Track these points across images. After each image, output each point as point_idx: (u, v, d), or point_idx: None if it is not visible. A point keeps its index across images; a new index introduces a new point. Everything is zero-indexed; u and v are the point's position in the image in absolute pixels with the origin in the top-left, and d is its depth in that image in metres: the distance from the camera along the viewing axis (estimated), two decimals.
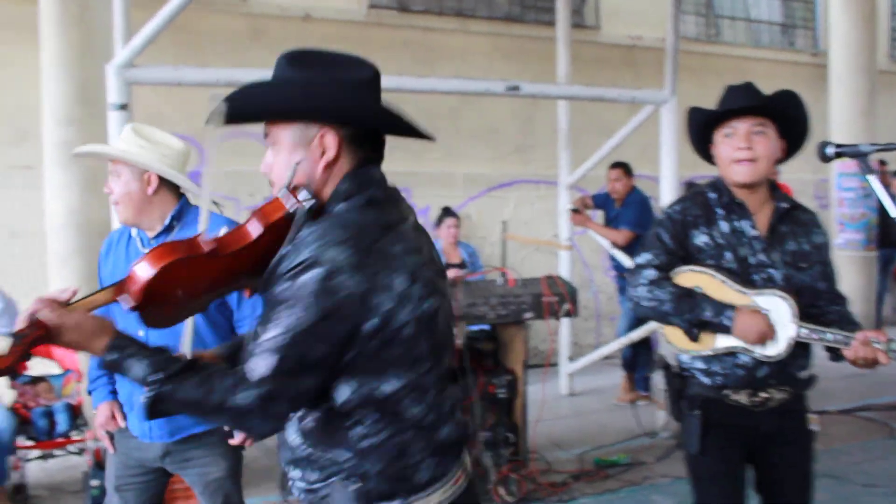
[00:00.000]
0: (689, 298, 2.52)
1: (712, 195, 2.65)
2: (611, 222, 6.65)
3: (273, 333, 1.53)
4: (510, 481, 4.48)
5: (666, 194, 5.65)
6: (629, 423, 5.86)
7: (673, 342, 2.67)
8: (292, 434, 1.72)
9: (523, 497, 4.44)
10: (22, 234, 6.17)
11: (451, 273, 5.58)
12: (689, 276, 2.58)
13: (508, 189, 8.33)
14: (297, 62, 1.66)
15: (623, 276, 6.58)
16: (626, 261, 6.21)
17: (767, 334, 2.46)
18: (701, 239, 2.60)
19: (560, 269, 6.82)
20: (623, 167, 6.59)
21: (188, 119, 6.03)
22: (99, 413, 2.82)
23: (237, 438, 2.67)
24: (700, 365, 2.61)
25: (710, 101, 2.75)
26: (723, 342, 2.54)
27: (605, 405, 6.62)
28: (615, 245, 6.37)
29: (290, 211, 1.61)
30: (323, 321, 1.52)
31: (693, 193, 2.72)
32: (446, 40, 7.98)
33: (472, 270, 6.77)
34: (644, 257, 2.65)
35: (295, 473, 1.75)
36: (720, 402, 2.57)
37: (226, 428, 2.51)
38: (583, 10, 8.72)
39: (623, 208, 6.56)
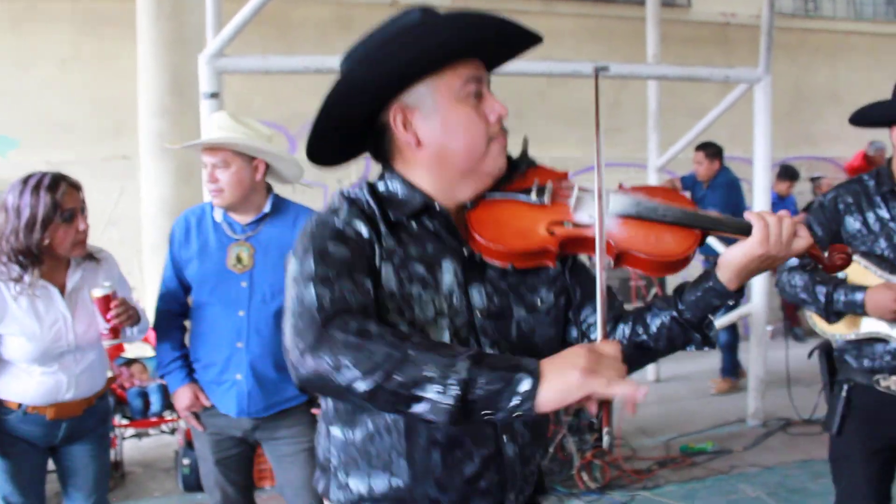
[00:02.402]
0: (824, 284, 2.50)
1: (871, 182, 2.59)
2: (696, 204, 6.49)
3: None
4: (594, 467, 4.45)
5: (759, 177, 5.49)
6: (717, 411, 5.77)
7: (817, 322, 2.68)
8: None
9: (607, 483, 4.41)
10: (119, 222, 6.42)
11: None
12: None
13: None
14: None
15: (709, 259, 6.44)
16: (715, 244, 6.06)
17: None
18: (854, 226, 2.56)
19: None
20: (704, 149, 6.43)
21: (276, 107, 6.16)
22: (180, 396, 2.89)
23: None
24: (853, 349, 2.60)
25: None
26: (867, 326, 2.52)
27: (692, 392, 6.50)
28: None
29: None
30: None
31: (847, 182, 2.67)
32: (532, 22, 7.71)
33: None
34: None
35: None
36: (871, 388, 2.55)
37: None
38: None
39: (709, 190, 6.42)
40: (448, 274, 1.44)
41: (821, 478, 2.94)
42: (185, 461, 4.46)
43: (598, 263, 1.31)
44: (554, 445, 4.39)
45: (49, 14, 6.52)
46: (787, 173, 7.99)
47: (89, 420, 2.79)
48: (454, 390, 1.12)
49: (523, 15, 7.61)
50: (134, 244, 5.92)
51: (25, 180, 2.55)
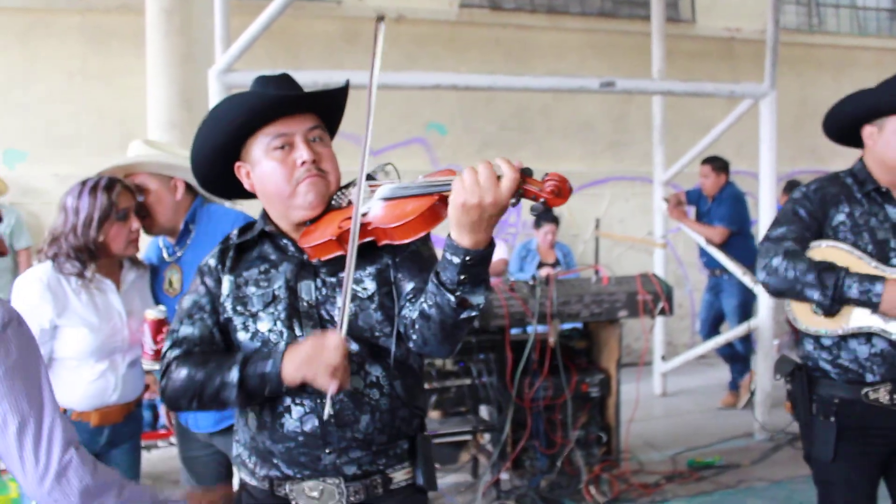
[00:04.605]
0: (832, 271, 2.36)
1: (849, 180, 2.55)
2: (702, 218, 6.49)
3: None
4: (602, 481, 4.45)
5: (765, 191, 5.51)
6: (724, 425, 5.76)
7: (800, 318, 2.51)
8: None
9: (615, 497, 4.40)
10: None
11: (545, 271, 5.58)
12: (825, 252, 2.45)
13: (602, 186, 8.25)
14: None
15: (714, 274, 6.48)
16: (721, 258, 6.07)
17: None
18: (839, 218, 2.49)
19: (654, 267, 6.72)
20: (712, 163, 6.44)
21: None
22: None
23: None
24: (827, 357, 2.47)
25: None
26: (856, 321, 2.39)
27: (699, 406, 6.50)
28: (710, 242, 6.23)
29: None
30: None
31: (829, 177, 2.61)
32: (538, 37, 7.95)
33: (566, 269, 6.76)
34: (778, 231, 2.52)
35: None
36: (858, 402, 2.42)
37: None
38: (678, 3, 8.56)
39: (714, 204, 6.42)
40: (281, 274, 1.85)
41: None
42: None
43: (350, 249, 1.68)
44: (562, 459, 4.39)
45: (57, 28, 6.57)
46: (792, 188, 8.01)
47: (128, 426, 2.86)
48: (235, 376, 1.72)
49: (532, 30, 7.67)
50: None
51: (83, 183, 2.70)
